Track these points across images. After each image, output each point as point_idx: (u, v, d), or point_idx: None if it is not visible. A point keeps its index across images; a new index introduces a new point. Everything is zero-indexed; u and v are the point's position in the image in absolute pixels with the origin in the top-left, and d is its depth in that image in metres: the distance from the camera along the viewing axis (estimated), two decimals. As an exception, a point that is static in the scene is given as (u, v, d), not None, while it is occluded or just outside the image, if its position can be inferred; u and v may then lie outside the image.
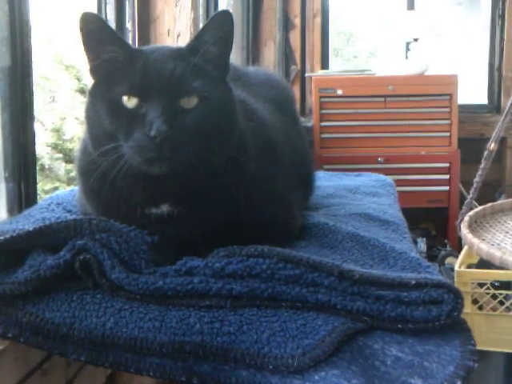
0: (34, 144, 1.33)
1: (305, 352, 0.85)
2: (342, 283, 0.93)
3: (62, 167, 5.58)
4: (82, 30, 1.01)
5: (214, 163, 1.03)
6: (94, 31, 1.01)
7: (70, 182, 5.62)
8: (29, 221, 1.14)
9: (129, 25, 2.10)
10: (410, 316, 0.90)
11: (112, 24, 2.01)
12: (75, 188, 1.42)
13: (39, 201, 1.39)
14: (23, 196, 1.32)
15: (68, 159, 5.67)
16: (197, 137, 1.00)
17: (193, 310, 0.92)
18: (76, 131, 5.86)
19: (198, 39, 1.05)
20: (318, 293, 0.93)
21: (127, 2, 2.07)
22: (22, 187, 1.32)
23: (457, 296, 0.91)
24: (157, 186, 1.04)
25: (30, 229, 0.97)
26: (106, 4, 1.99)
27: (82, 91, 5.81)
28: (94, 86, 1.05)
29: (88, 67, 1.06)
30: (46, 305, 0.94)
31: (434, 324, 0.90)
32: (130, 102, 1.00)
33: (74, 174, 4.65)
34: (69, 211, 1.26)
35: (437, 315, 0.90)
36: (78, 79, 5.74)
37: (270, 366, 0.85)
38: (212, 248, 1.01)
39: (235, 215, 1.09)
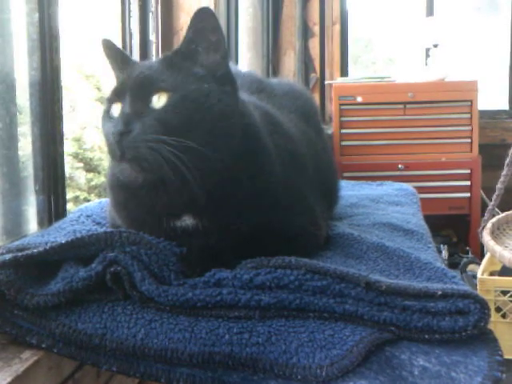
0: (63, 158, 1.36)
1: (333, 362, 0.86)
2: (369, 294, 0.94)
3: (82, 176, 5.63)
4: (104, 54, 1.13)
5: (209, 167, 1.01)
6: (112, 54, 1.13)
7: (90, 190, 5.66)
8: (60, 233, 1.16)
9: (152, 37, 2.12)
10: (437, 326, 0.91)
11: (136, 36, 2.05)
12: (103, 200, 1.44)
13: (68, 213, 1.41)
14: (53, 208, 1.35)
15: (88, 168, 5.73)
16: (160, 134, 0.98)
17: (222, 320, 0.94)
18: (96, 140, 5.92)
19: (182, 41, 1.08)
20: (346, 303, 0.94)
21: (150, 14, 2.10)
22: (51, 200, 1.34)
23: (483, 306, 0.91)
24: (171, 194, 1.04)
25: (62, 241, 0.99)
26: (129, 16, 2.01)
27: (101, 101, 5.87)
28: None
29: None
30: (79, 316, 0.96)
31: (460, 334, 0.90)
32: (115, 109, 1.04)
33: (94, 182, 4.69)
34: (98, 223, 1.28)
35: (463, 325, 0.90)
36: (98, 89, 5.80)
37: (299, 377, 0.86)
38: (239, 259, 1.03)
39: (261, 227, 1.10)
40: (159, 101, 1.01)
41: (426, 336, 0.91)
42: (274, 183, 1.11)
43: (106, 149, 1.06)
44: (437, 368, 0.87)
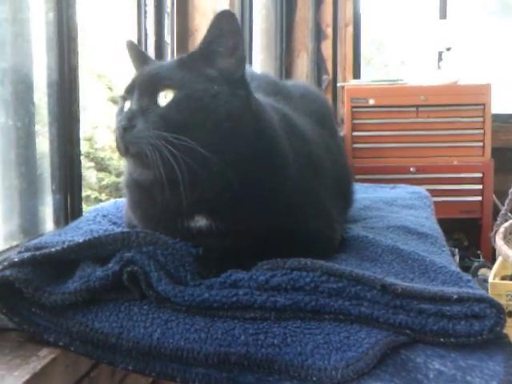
0: (79, 157, 1.37)
1: (348, 364, 0.86)
2: (385, 297, 0.94)
3: (93, 175, 5.65)
4: (128, 54, 1.16)
5: (209, 168, 1.01)
6: (135, 55, 1.17)
7: (101, 190, 5.68)
8: (77, 233, 1.17)
9: (168, 38, 2.14)
10: (452, 330, 0.91)
11: (151, 37, 2.06)
12: (118, 200, 1.45)
13: (83, 212, 1.42)
14: (69, 208, 1.36)
15: (100, 167, 5.74)
16: (163, 131, 0.99)
17: (238, 321, 0.94)
18: (107, 140, 5.94)
19: (200, 42, 1.09)
20: (361, 306, 0.94)
21: (166, 16, 2.11)
22: (68, 199, 1.35)
23: (499, 311, 0.91)
24: (180, 193, 1.03)
25: (80, 241, 1.00)
26: (145, 18, 2.02)
27: (113, 100, 5.89)
28: None
29: None
30: (95, 315, 0.96)
31: (476, 338, 0.91)
32: (126, 106, 1.06)
33: (105, 182, 4.69)
34: (114, 223, 1.29)
35: (479, 330, 0.90)
36: (110, 88, 5.82)
37: (314, 378, 0.87)
38: (255, 261, 1.03)
39: (276, 229, 1.10)
40: (165, 98, 1.03)
41: (442, 339, 0.92)
42: (290, 186, 1.12)
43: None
44: (452, 372, 0.87)
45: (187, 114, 1.02)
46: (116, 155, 5.92)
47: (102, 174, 5.73)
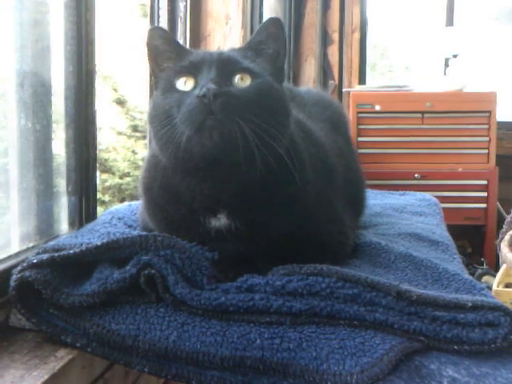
0: (95, 160, 1.37)
1: (363, 370, 0.87)
2: (400, 303, 0.95)
3: (97, 176, 5.66)
4: (158, 42, 1.10)
5: (267, 151, 1.01)
6: (166, 42, 1.11)
7: (104, 191, 5.69)
8: (94, 235, 1.18)
9: (180, 42, 2.15)
10: (466, 337, 0.92)
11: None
12: (132, 203, 1.46)
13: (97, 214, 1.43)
14: (84, 209, 1.36)
15: (103, 169, 5.75)
16: (248, 110, 1.00)
17: (253, 325, 0.95)
18: (111, 141, 5.95)
19: (249, 41, 1.13)
20: (376, 312, 0.95)
21: (179, 20, 2.12)
22: (83, 201, 1.36)
23: (513, 319, 0.92)
24: (215, 183, 1.05)
25: (98, 243, 1.01)
26: (158, 22, 2.03)
27: (118, 102, 5.90)
28: (155, 92, 1.11)
29: (153, 79, 1.13)
30: (112, 317, 0.97)
31: (490, 346, 0.92)
32: (186, 85, 1.04)
33: (108, 183, 4.67)
34: (129, 226, 1.30)
35: (493, 338, 0.92)
36: (115, 90, 5.83)
37: (329, 383, 0.87)
38: (270, 265, 1.04)
39: (291, 233, 1.12)
40: (242, 81, 1.04)
41: (456, 347, 0.93)
42: (306, 191, 1.13)
43: (157, 128, 1.04)
44: (466, 379, 0.88)
45: (266, 102, 1.04)
46: (120, 156, 5.96)
47: (105, 176, 5.74)
